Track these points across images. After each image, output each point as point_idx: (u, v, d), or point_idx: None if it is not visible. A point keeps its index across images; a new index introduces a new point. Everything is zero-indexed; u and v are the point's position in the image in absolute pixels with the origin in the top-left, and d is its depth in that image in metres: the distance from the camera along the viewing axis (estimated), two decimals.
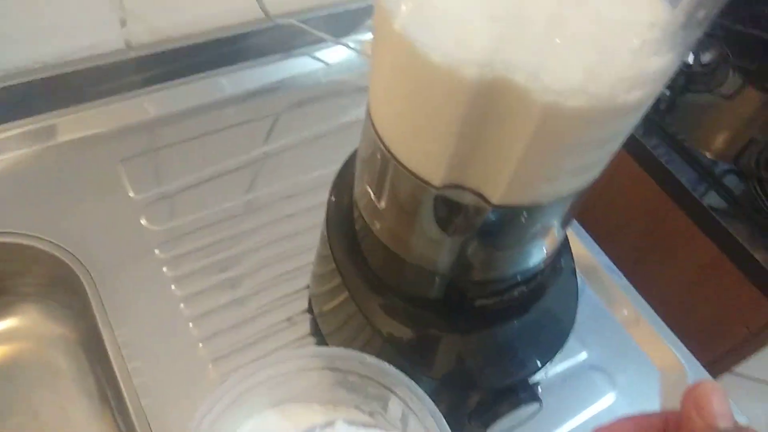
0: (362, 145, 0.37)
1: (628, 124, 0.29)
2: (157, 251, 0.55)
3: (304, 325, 0.52)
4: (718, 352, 0.69)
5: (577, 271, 0.45)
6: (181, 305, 0.52)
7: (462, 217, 0.33)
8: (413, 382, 0.38)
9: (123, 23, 0.60)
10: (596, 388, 0.52)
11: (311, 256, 0.50)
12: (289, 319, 0.52)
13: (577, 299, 0.44)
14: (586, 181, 0.32)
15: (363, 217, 0.39)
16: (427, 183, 0.32)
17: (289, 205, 0.60)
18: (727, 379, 0.72)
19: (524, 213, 0.32)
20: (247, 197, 0.60)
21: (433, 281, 0.38)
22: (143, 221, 0.56)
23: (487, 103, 0.26)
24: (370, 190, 0.37)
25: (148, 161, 0.60)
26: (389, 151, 0.33)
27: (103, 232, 0.55)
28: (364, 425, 0.42)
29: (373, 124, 0.34)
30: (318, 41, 0.70)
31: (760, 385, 0.74)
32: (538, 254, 0.38)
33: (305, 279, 0.55)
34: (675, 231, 0.69)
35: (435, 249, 0.36)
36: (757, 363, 0.69)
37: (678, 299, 0.72)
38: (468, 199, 0.32)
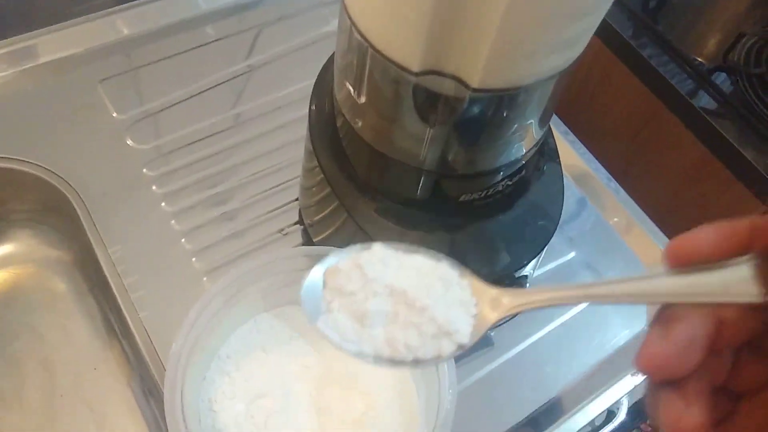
0: (339, 39, 0.36)
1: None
2: (145, 170, 0.55)
3: (296, 236, 0.53)
4: None
5: (567, 175, 0.45)
6: (173, 221, 0.53)
7: (442, 106, 0.33)
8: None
9: None
10: None
11: (300, 169, 0.50)
12: (280, 231, 0.53)
13: (562, 196, 0.44)
14: (566, 60, 0.32)
15: (345, 117, 0.39)
16: (405, 69, 0.31)
17: (275, 118, 0.59)
18: None
19: (505, 98, 0.32)
20: (233, 112, 0.59)
21: (417, 178, 0.38)
22: (129, 141, 0.56)
23: None
24: (349, 86, 0.36)
25: (128, 81, 0.59)
26: (366, 40, 0.32)
27: (89, 154, 0.55)
28: None
29: (348, 14, 0.33)
30: None
31: None
32: (520, 146, 0.38)
33: (295, 192, 0.55)
34: (664, 132, 0.69)
35: (417, 143, 0.36)
36: None
37: (668, 200, 0.72)
38: (447, 85, 0.31)
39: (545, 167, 0.44)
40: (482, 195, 0.39)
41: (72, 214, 0.53)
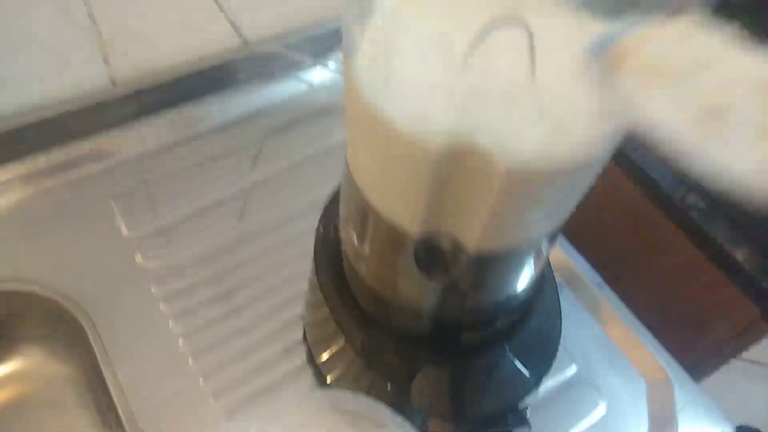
0: (343, 184, 0.38)
1: (598, 168, 0.31)
2: (153, 288, 0.56)
3: (300, 354, 0.54)
4: (703, 348, 0.70)
5: (557, 278, 0.47)
6: (180, 341, 0.54)
7: (442, 262, 0.35)
8: (404, 420, 0.39)
9: (106, 60, 0.61)
10: (585, 401, 0.54)
11: (305, 283, 0.52)
12: (285, 349, 0.54)
13: (560, 315, 0.46)
14: (563, 219, 0.34)
15: (348, 258, 0.41)
16: (403, 231, 0.33)
17: (281, 233, 0.61)
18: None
19: (505, 257, 0.34)
20: (239, 228, 0.61)
21: (419, 320, 0.39)
22: (138, 259, 0.58)
23: (453, 167, 0.28)
24: (352, 232, 0.38)
25: (138, 197, 0.62)
26: (365, 199, 0.34)
27: (99, 273, 0.56)
28: None
29: (348, 168, 0.35)
30: (299, 64, 0.71)
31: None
32: (523, 287, 0.39)
33: (299, 306, 0.56)
34: (654, 232, 0.70)
35: (419, 292, 0.37)
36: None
37: (659, 300, 0.73)
38: (447, 244, 0.33)
39: (542, 286, 0.46)
40: (484, 333, 0.41)
41: (81, 333, 0.54)
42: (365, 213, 0.35)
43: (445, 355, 0.42)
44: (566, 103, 0.25)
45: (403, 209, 0.32)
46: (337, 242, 0.43)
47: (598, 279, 0.60)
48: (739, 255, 0.66)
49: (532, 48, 0.21)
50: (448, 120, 0.25)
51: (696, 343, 0.71)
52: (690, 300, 0.71)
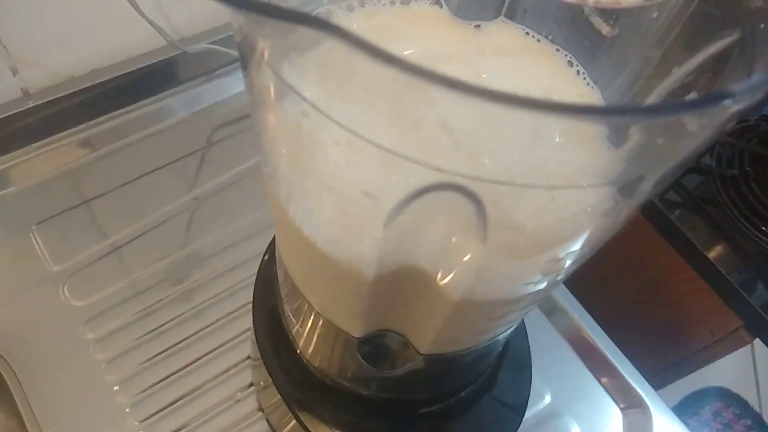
0: (279, 276, 0.33)
1: (558, 279, 0.25)
2: (83, 330, 0.50)
3: (251, 401, 0.49)
4: (682, 355, 0.68)
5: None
6: (115, 388, 0.49)
7: (390, 359, 0.30)
8: None
9: (14, 71, 0.53)
10: None
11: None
12: (232, 398, 0.49)
13: (530, 375, 0.41)
14: (521, 317, 0.29)
15: (290, 337, 0.35)
16: (346, 333, 0.28)
17: (228, 257, 0.55)
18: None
19: (460, 355, 0.29)
20: (180, 253, 0.55)
21: (368, 403, 0.35)
22: (65, 295, 0.52)
23: (395, 287, 0.22)
24: (292, 317, 0.33)
25: (64, 223, 0.55)
26: (304, 296, 0.29)
27: (21, 313, 0.50)
28: None
29: (282, 259, 0.30)
30: (237, 61, 0.63)
31: None
32: (483, 362, 0.35)
33: (247, 348, 0.51)
34: (634, 236, 0.66)
35: (366, 381, 0.32)
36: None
37: (637, 306, 0.70)
38: (395, 343, 0.28)
39: (509, 346, 0.41)
40: (443, 405, 0.36)
41: (3, 388, 0.48)
42: (302, 302, 0.30)
43: (407, 421, 0.37)
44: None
45: (342, 314, 0.27)
46: (279, 323, 0.38)
47: (571, 297, 0.56)
48: (721, 263, 0.62)
49: (482, 217, 0.15)
50: (378, 255, 0.20)
51: (674, 349, 0.69)
52: (670, 306, 0.67)
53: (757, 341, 0.62)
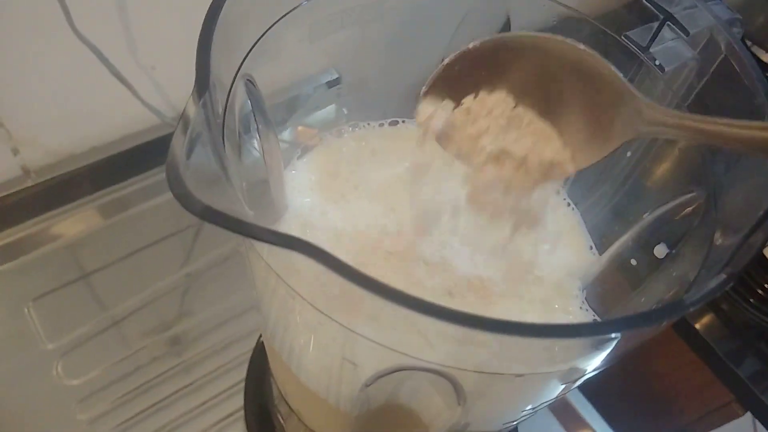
0: (269, 364, 0.34)
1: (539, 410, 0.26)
2: (75, 410, 0.51)
3: None
4: (676, 427, 0.68)
5: None
6: None
7: None
8: None
9: (15, 152, 0.55)
10: None
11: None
12: None
13: None
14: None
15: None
16: None
17: (221, 333, 0.56)
18: None
19: None
20: (173, 330, 0.55)
21: None
22: (59, 374, 0.52)
23: (379, 418, 0.23)
24: (280, 416, 0.33)
25: (59, 299, 0.56)
26: (288, 404, 0.29)
27: (14, 393, 0.51)
28: None
29: (269, 366, 0.30)
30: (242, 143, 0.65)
31: None
32: None
33: (241, 425, 0.51)
34: None
35: None
36: None
37: (628, 379, 0.70)
38: None
39: None
40: None
41: None
42: (289, 411, 0.30)
43: None
44: None
45: (327, 430, 0.27)
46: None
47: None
48: (709, 334, 0.62)
49: (460, 390, 0.16)
50: (361, 401, 0.21)
51: (668, 422, 0.69)
52: (661, 378, 0.68)
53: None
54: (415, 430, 0.24)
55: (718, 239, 0.20)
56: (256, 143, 0.28)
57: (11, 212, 0.57)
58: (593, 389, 0.56)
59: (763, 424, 0.57)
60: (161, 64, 0.58)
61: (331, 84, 0.37)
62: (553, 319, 0.25)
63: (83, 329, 0.54)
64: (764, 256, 0.63)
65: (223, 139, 0.19)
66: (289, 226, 0.26)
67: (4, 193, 0.55)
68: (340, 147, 0.29)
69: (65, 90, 0.55)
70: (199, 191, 0.14)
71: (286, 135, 0.33)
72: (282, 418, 0.33)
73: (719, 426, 0.64)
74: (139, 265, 0.58)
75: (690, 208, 0.21)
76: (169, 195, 0.61)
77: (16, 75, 0.52)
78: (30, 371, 0.52)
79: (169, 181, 0.14)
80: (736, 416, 0.63)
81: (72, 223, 0.59)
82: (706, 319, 0.64)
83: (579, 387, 0.56)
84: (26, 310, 0.55)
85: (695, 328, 0.63)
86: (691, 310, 0.14)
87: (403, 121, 0.30)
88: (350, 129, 0.30)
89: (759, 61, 0.78)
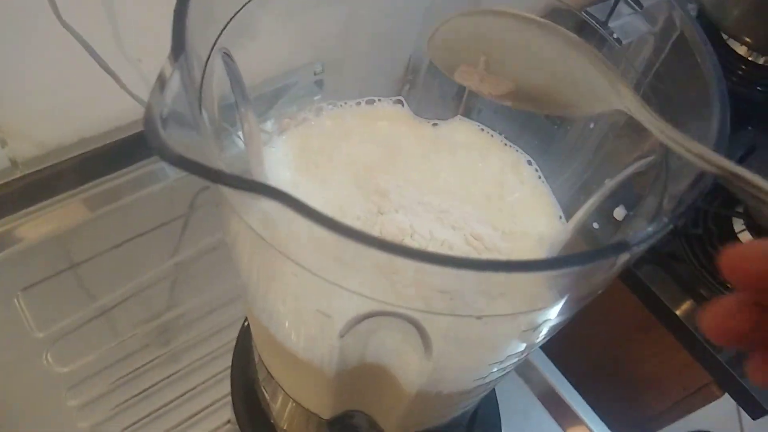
0: (254, 349, 0.35)
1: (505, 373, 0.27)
2: (65, 397, 0.51)
3: None
4: (656, 410, 0.69)
5: None
6: None
7: None
8: None
9: (2, 143, 0.55)
10: None
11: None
12: None
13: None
14: (477, 401, 0.30)
15: (264, 405, 0.37)
16: (316, 414, 0.30)
17: (210, 321, 0.57)
18: None
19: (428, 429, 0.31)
20: (162, 318, 0.56)
21: None
22: (48, 362, 0.53)
23: (359, 378, 0.24)
24: (265, 393, 0.34)
25: (49, 288, 0.56)
26: (276, 380, 0.30)
27: (4, 381, 0.51)
28: None
29: (254, 341, 0.31)
30: (222, 130, 0.66)
31: None
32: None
33: (227, 412, 0.52)
34: (604, 294, 0.68)
35: None
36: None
37: (609, 362, 0.72)
38: (363, 423, 0.30)
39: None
40: None
41: None
42: (275, 385, 0.31)
43: None
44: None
45: (311, 398, 0.28)
46: (254, 394, 0.39)
47: (542, 355, 0.58)
48: (687, 320, 0.64)
49: (425, 336, 0.17)
50: (338, 357, 0.22)
51: (647, 405, 0.70)
52: (641, 362, 0.69)
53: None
54: (390, 391, 0.25)
55: (665, 199, 0.21)
56: (239, 127, 0.29)
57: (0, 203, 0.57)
58: (577, 373, 0.57)
59: (738, 403, 0.59)
60: (147, 57, 0.58)
61: (310, 73, 0.38)
62: None
63: (73, 318, 0.55)
64: (739, 241, 0.65)
65: (200, 106, 0.20)
66: None
67: None
68: (318, 124, 0.30)
69: (53, 81, 0.55)
70: (176, 146, 0.15)
71: (268, 125, 0.34)
72: (268, 396, 0.34)
73: (702, 406, 0.66)
74: (128, 255, 0.59)
75: (646, 172, 0.23)
76: (157, 186, 0.62)
77: (3, 67, 0.52)
78: (20, 359, 0.53)
79: (147, 134, 0.15)
80: (715, 398, 0.64)
81: (61, 215, 0.60)
82: (686, 305, 0.65)
83: (565, 374, 0.57)
84: (16, 300, 0.55)
85: (676, 314, 0.64)
86: (631, 252, 0.15)
87: (380, 100, 0.32)
88: (329, 107, 0.31)
89: (734, 53, 0.79)
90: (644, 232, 0.16)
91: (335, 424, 0.30)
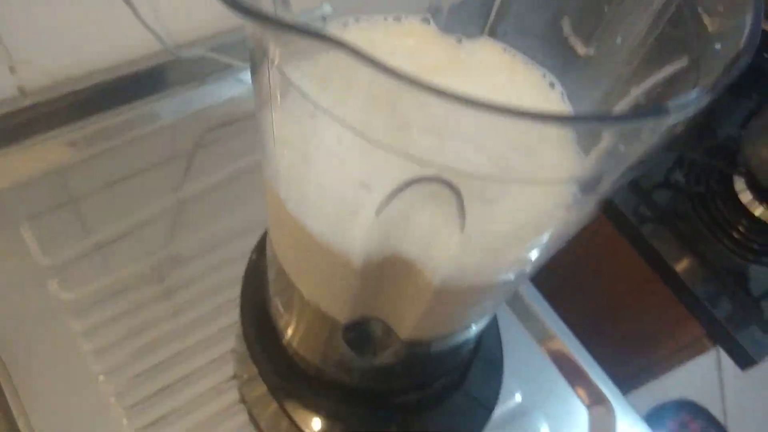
0: (268, 256, 0.35)
1: (526, 272, 0.28)
2: (71, 322, 0.52)
3: (232, 393, 0.51)
4: (648, 361, 0.71)
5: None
6: (101, 378, 0.50)
7: (372, 345, 0.32)
8: None
9: (12, 70, 0.55)
10: (529, 430, 0.53)
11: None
12: (215, 388, 0.51)
13: (501, 372, 0.44)
14: (492, 308, 0.31)
15: (278, 324, 0.37)
16: (333, 319, 0.30)
17: (215, 254, 0.57)
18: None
19: (438, 341, 0.31)
20: (167, 250, 0.57)
21: (349, 392, 0.37)
22: (54, 289, 0.53)
23: (380, 271, 0.25)
24: (279, 305, 0.35)
25: (54, 218, 0.56)
26: (291, 281, 0.31)
27: (9, 306, 0.52)
28: None
29: (272, 248, 0.32)
30: (228, 68, 0.66)
31: None
32: (458, 355, 0.37)
33: (230, 341, 0.53)
34: (605, 246, 0.69)
35: (349, 368, 0.34)
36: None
37: (608, 314, 0.73)
38: (378, 329, 0.31)
39: (483, 342, 0.44)
40: (417, 398, 0.39)
41: None
42: (291, 291, 0.32)
43: (376, 418, 0.39)
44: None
45: (330, 300, 0.29)
46: (266, 311, 0.40)
47: (545, 303, 0.59)
48: (685, 276, 0.65)
49: (461, 208, 0.17)
50: (368, 243, 0.22)
51: (641, 355, 0.72)
52: (639, 315, 0.70)
53: (722, 354, 0.65)
54: (410, 291, 0.25)
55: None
56: None
57: (5, 132, 0.57)
58: (577, 322, 0.58)
59: (729, 354, 0.60)
60: None
61: None
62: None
63: (76, 248, 0.55)
64: (740, 200, 0.66)
65: None
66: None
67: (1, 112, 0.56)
68: (343, 37, 0.30)
69: (65, 9, 0.55)
70: None
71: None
72: (282, 308, 0.35)
73: (691, 359, 0.67)
74: (137, 188, 0.59)
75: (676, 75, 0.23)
76: (163, 123, 0.62)
77: None
78: (25, 286, 0.53)
79: None
80: (705, 350, 0.66)
81: (70, 145, 0.60)
82: (686, 262, 0.66)
83: (564, 320, 0.58)
84: (21, 228, 0.55)
85: (674, 270, 0.66)
86: (672, 117, 0.16)
87: (406, 17, 0.32)
88: (354, 21, 0.31)
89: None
90: (685, 98, 0.16)
91: (350, 331, 0.31)
